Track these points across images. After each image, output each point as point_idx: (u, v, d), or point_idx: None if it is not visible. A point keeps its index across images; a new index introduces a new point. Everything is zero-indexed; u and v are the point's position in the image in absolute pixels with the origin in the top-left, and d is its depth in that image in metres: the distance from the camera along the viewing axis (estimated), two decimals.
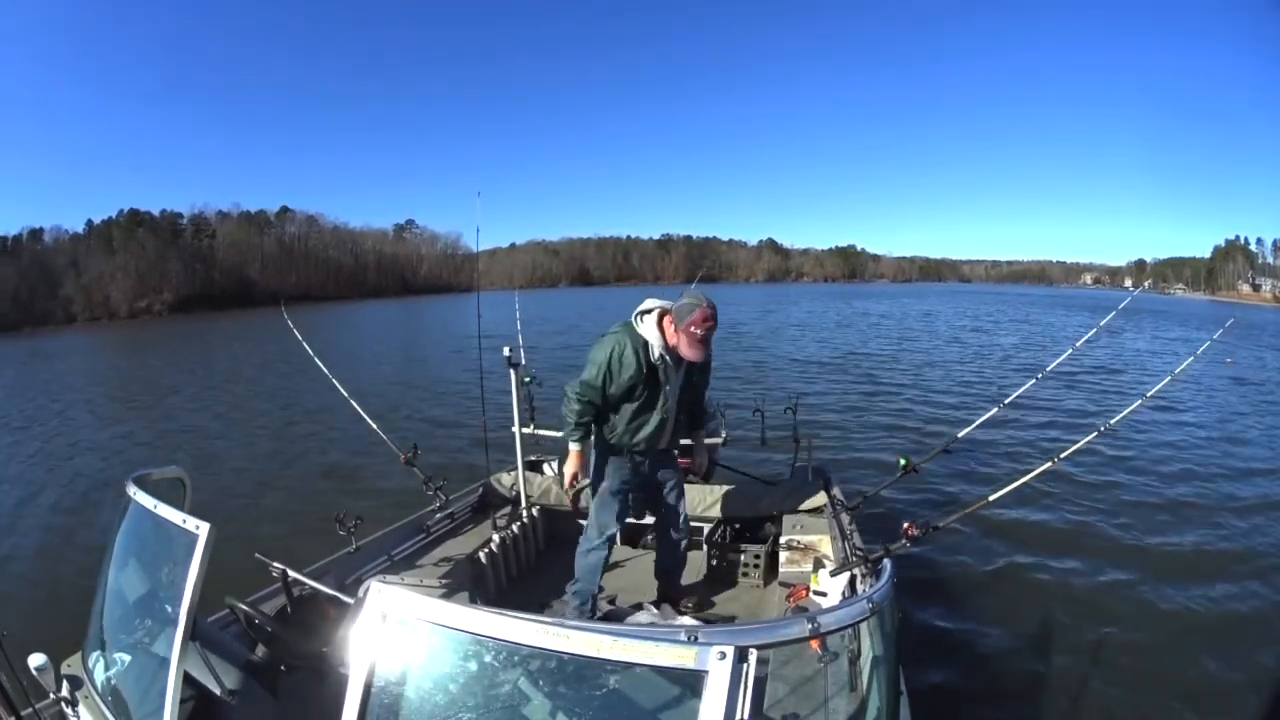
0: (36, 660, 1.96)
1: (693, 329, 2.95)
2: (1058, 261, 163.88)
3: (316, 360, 4.47)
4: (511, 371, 4.05)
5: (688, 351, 3.00)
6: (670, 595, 3.61)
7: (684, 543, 3.57)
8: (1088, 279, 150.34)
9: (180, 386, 17.09)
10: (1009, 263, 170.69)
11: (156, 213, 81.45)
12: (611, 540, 3.37)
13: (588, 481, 3.36)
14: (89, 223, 76.87)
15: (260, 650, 2.30)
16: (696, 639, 1.15)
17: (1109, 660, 4.12)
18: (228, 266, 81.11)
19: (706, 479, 4.12)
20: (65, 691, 2.01)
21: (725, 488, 4.12)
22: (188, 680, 1.88)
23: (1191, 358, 3.82)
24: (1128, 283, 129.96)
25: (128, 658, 2.03)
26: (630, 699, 1.29)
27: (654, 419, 3.16)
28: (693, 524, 3.77)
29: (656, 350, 3.03)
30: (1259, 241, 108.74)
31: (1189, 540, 5.82)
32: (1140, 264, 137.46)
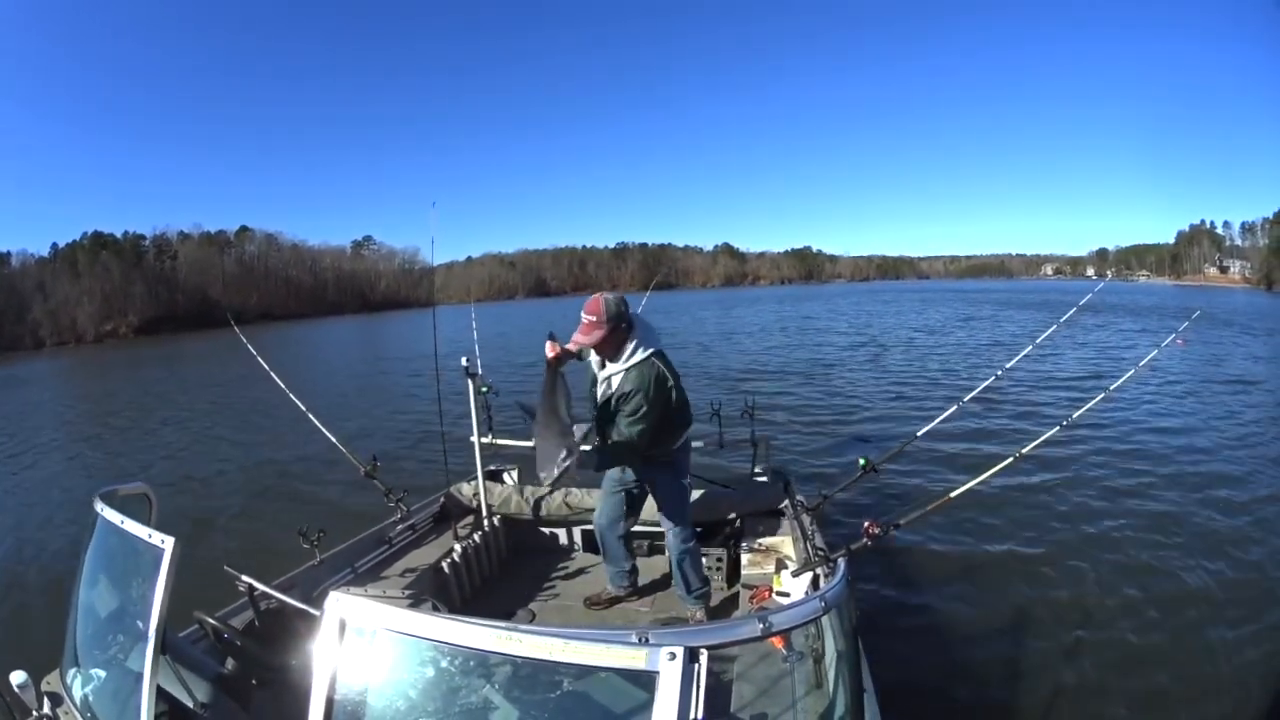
0: (18, 678, 1.98)
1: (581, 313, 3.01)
2: (1018, 254, 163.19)
3: (274, 375, 4.43)
4: (469, 381, 4.05)
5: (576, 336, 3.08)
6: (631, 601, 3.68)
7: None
8: (1048, 270, 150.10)
9: (145, 407, 16.89)
10: (968, 257, 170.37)
11: (119, 235, 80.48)
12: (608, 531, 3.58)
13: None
14: (54, 246, 75.91)
15: (231, 664, 2.31)
16: (647, 640, 1.20)
17: (1074, 652, 4.13)
18: (190, 288, 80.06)
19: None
20: (47, 708, 2.03)
21: None
22: (161, 694, 1.89)
23: (1155, 350, 3.89)
24: (1089, 272, 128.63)
25: (103, 673, 2.05)
26: (587, 701, 1.33)
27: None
28: (653, 529, 3.80)
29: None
30: (1225, 224, 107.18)
31: (1150, 530, 5.82)
32: (1102, 253, 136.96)
